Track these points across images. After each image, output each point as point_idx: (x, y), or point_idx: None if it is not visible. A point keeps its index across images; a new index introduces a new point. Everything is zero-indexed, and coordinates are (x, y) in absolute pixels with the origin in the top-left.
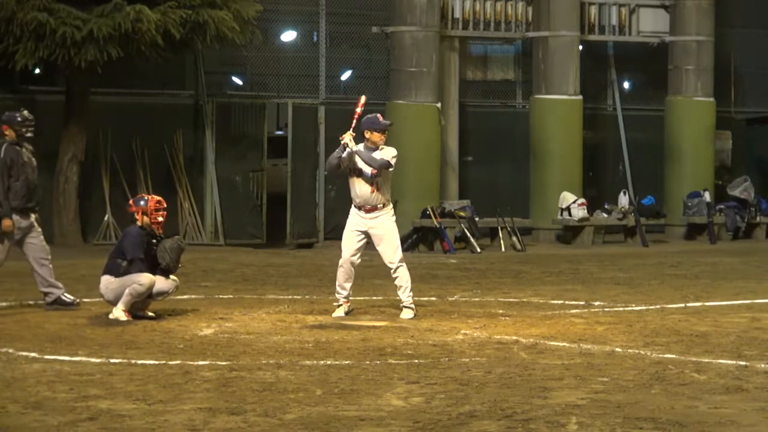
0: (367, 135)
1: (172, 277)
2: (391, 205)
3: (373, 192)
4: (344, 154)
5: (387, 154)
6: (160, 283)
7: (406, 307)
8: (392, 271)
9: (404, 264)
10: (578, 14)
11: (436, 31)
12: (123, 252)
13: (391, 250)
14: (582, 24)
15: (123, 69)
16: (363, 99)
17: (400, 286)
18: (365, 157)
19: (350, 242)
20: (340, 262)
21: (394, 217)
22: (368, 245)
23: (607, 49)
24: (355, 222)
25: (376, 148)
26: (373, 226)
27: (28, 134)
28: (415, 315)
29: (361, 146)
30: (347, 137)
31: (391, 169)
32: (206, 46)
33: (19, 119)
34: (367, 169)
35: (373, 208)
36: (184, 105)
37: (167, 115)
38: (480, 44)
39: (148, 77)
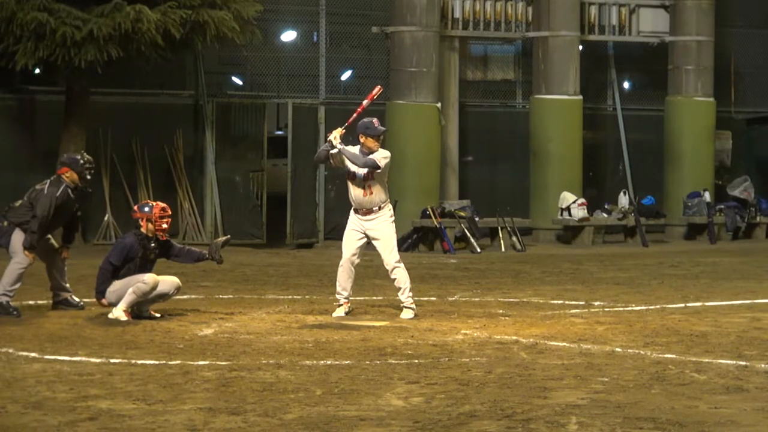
0: (362, 139)
1: (173, 278)
2: (390, 207)
3: (366, 195)
4: (333, 151)
5: (378, 155)
6: (162, 285)
7: (406, 307)
8: (389, 272)
9: (401, 265)
10: (578, 14)
11: (436, 31)
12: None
13: (386, 251)
14: (582, 24)
15: (123, 69)
16: (377, 89)
17: (399, 287)
18: (350, 156)
19: (350, 242)
20: (341, 262)
21: (393, 219)
22: (368, 245)
23: (607, 49)
24: (354, 223)
25: (371, 153)
26: (370, 228)
27: (88, 176)
28: (415, 315)
29: (350, 146)
30: (335, 134)
31: (378, 171)
32: (206, 46)
33: (81, 162)
34: (354, 169)
35: (369, 211)
36: (184, 105)
37: (167, 115)
38: (480, 44)
39: (148, 77)
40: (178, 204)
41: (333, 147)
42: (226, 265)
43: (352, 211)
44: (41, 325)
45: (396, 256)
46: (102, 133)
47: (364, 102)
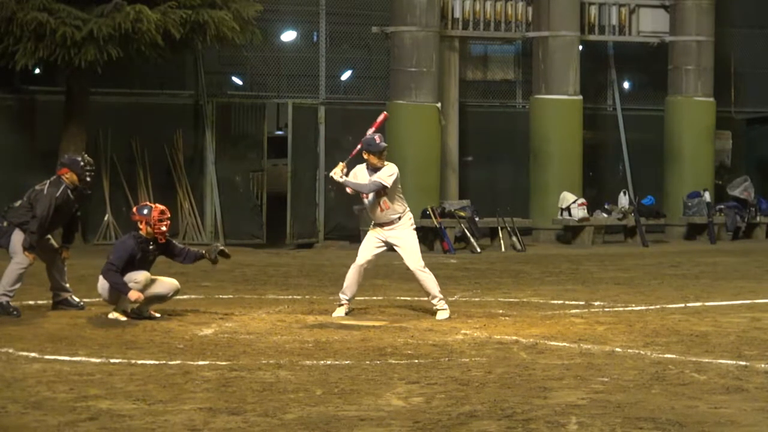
0: (365, 156)
1: (172, 279)
2: (410, 215)
3: (382, 211)
4: (340, 181)
5: (383, 173)
6: (159, 286)
7: (439, 309)
8: (416, 277)
9: (427, 270)
10: (578, 14)
11: (436, 31)
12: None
13: (410, 257)
14: (582, 24)
15: (123, 69)
16: (383, 117)
17: (428, 293)
18: (355, 186)
19: (368, 247)
20: (353, 264)
21: (413, 224)
22: (389, 251)
23: (607, 49)
24: (376, 231)
25: (376, 169)
26: (391, 236)
27: (88, 178)
28: (450, 315)
29: (356, 168)
30: (336, 170)
31: (388, 187)
32: (206, 46)
33: (82, 164)
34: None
35: (389, 223)
36: (184, 105)
37: (167, 115)
38: (480, 44)
39: (148, 77)
40: (178, 204)
41: (335, 182)
42: (226, 266)
43: (372, 222)
44: (41, 325)
45: (421, 261)
46: (102, 133)
47: (369, 131)
